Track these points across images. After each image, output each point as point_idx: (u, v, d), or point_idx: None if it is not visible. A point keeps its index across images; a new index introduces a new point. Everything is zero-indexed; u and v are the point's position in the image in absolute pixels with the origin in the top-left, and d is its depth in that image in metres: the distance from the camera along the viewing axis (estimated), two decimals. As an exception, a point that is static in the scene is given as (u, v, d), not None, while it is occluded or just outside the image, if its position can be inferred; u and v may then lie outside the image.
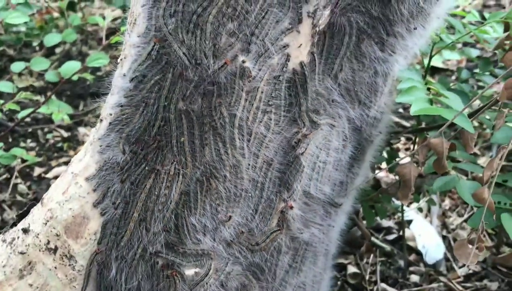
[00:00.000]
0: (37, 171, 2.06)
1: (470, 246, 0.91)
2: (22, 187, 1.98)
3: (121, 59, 0.82)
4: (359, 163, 1.00)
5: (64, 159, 2.07)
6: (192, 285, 0.81)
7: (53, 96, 1.87)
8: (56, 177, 2.01)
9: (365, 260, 1.55)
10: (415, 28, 0.86)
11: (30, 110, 1.68)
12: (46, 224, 0.83)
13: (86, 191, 0.82)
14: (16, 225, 0.89)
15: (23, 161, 1.91)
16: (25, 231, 0.84)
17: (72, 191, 0.82)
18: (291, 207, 0.88)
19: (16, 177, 2.00)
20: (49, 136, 2.08)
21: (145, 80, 0.78)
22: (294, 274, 0.92)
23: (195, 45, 0.74)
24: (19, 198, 1.95)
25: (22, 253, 0.85)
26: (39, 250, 0.85)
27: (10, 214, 1.90)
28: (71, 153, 2.07)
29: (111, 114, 0.81)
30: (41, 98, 2.24)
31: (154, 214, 0.80)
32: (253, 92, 0.80)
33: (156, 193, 0.79)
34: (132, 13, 0.80)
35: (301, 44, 0.83)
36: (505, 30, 1.09)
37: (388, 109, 0.97)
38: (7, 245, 0.87)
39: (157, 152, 0.80)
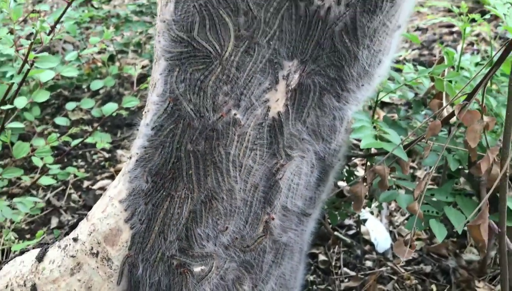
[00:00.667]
0: (86, 183, 1.96)
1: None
2: (75, 196, 1.90)
3: (145, 112, 0.78)
4: (324, 183, 0.93)
5: (106, 174, 1.98)
6: (199, 279, 0.77)
7: (98, 128, 1.82)
8: (100, 188, 1.95)
9: (331, 250, 1.47)
10: (362, 85, 0.81)
11: (80, 140, 1.62)
12: (90, 234, 0.79)
13: (119, 210, 0.78)
14: (68, 234, 0.85)
15: (75, 176, 1.83)
16: (75, 239, 0.81)
17: (109, 210, 0.78)
18: (273, 218, 0.84)
19: (70, 188, 1.91)
20: (94, 157, 1.99)
21: (162, 129, 0.75)
22: (276, 267, 0.86)
23: (199, 103, 0.71)
24: (72, 204, 1.86)
25: (72, 256, 0.81)
26: (85, 254, 0.81)
27: (65, 217, 1.81)
28: (111, 169, 1.99)
29: (137, 153, 0.77)
30: (88, 128, 2.18)
31: (170, 227, 0.76)
32: (242, 135, 0.75)
33: (171, 212, 0.75)
34: (152, 78, 0.76)
35: (278, 99, 0.78)
36: (432, 80, 1.08)
37: (345, 143, 0.94)
38: (61, 250, 0.83)
39: (171, 181, 0.76)
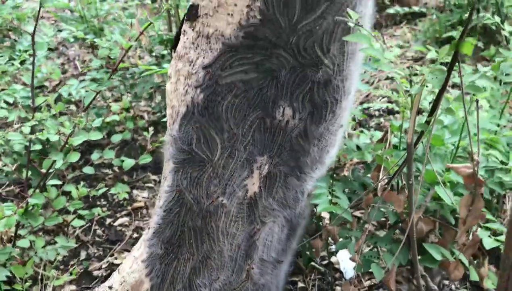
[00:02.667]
0: (108, 220, 2.21)
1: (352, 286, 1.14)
2: (99, 232, 2.12)
3: (159, 197, 1.00)
4: (293, 237, 1.15)
5: (124, 212, 2.20)
6: None
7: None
8: (120, 225, 2.18)
9: (308, 278, 1.72)
10: (316, 168, 1.05)
11: (105, 189, 1.87)
12: (121, 284, 1.00)
13: (142, 267, 0.99)
14: (103, 282, 1.10)
15: (99, 214, 2.08)
16: (110, 287, 1.03)
17: (134, 267, 1.00)
18: (252, 268, 1.04)
19: (95, 225, 2.15)
20: (114, 197, 2.25)
21: (171, 211, 0.96)
22: None
23: (197, 193, 0.93)
24: (97, 239, 2.07)
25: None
26: None
27: (92, 250, 2.03)
28: (129, 207, 2.22)
29: (154, 227, 0.98)
30: (109, 171, 2.42)
31: (177, 280, 0.97)
32: (228, 213, 0.96)
33: (178, 269, 0.96)
34: (164, 173, 0.98)
35: (254, 183, 0.99)
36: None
37: (307, 206, 1.16)
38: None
39: (178, 248, 0.97)
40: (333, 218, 1.24)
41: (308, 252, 1.44)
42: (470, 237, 0.97)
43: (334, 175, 1.25)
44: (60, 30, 2.69)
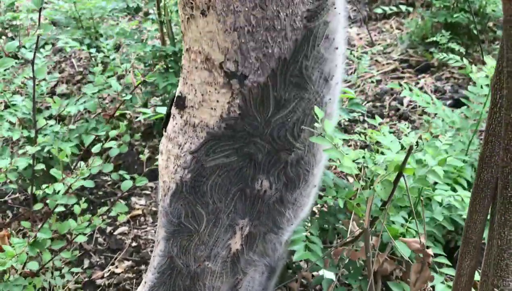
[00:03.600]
0: (108, 229, 2.37)
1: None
2: (100, 240, 2.28)
3: (152, 257, 1.14)
4: (273, 277, 1.29)
5: (124, 221, 2.37)
6: None
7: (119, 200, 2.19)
8: (120, 234, 2.33)
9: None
10: (292, 224, 1.23)
11: (107, 208, 2.02)
12: None
13: None
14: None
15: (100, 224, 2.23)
16: None
17: None
18: None
19: (96, 233, 2.31)
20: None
21: (164, 273, 1.09)
22: None
23: (186, 259, 1.08)
24: (99, 247, 2.22)
25: None
26: None
27: (95, 259, 2.19)
28: (128, 216, 2.37)
29: (149, 284, 1.12)
30: (108, 178, 2.56)
31: None
32: (213, 272, 1.09)
33: None
34: (157, 239, 1.13)
35: (236, 242, 1.12)
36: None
37: (285, 252, 1.31)
38: None
39: None
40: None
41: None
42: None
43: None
44: (57, 38, 2.75)
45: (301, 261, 1.44)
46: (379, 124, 1.58)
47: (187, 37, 1.00)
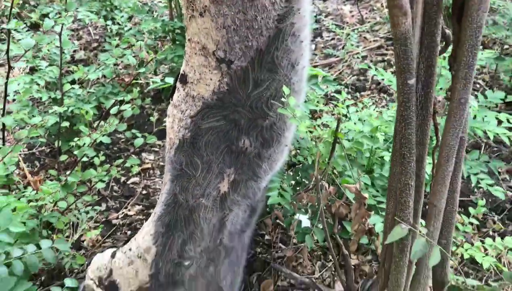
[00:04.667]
0: (122, 179, 2.72)
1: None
2: (115, 188, 2.62)
3: (161, 194, 1.52)
4: (254, 215, 1.61)
5: (135, 172, 2.74)
6: (187, 267, 1.59)
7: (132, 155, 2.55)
8: (132, 183, 2.70)
9: (273, 232, 2.25)
10: (267, 174, 1.57)
11: (122, 160, 2.39)
12: (137, 248, 1.50)
13: (150, 238, 1.48)
14: (125, 244, 1.64)
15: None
16: (130, 249, 1.55)
17: (146, 237, 1.49)
18: (223, 238, 1.53)
19: (112, 182, 2.68)
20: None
21: (169, 206, 1.41)
22: (227, 257, 1.63)
23: (185, 196, 1.46)
24: (114, 194, 2.56)
25: (128, 257, 1.52)
26: (135, 257, 1.51)
27: (110, 203, 2.52)
28: (139, 168, 2.73)
29: (158, 214, 1.49)
30: (122, 136, 2.91)
31: (173, 247, 1.44)
32: (206, 207, 1.49)
33: (174, 241, 1.44)
34: (164, 179, 1.52)
35: (224, 185, 1.51)
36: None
37: (263, 196, 1.68)
38: (123, 253, 1.54)
39: (174, 228, 1.44)
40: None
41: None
42: (362, 226, 1.49)
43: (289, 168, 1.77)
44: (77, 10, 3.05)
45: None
46: (361, 96, 1.92)
47: (189, 30, 1.33)
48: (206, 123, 1.40)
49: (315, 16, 3.83)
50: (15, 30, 3.01)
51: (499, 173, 2.47)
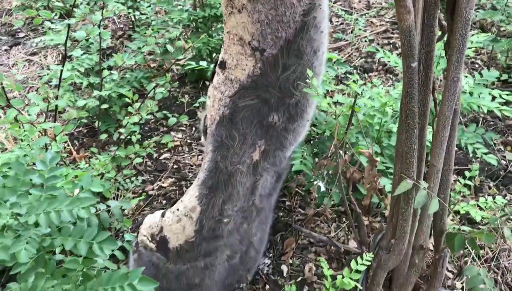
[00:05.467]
0: (155, 155, 3.02)
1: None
2: (149, 163, 2.93)
3: (203, 163, 1.80)
4: (280, 180, 1.87)
5: (166, 149, 3.00)
6: (226, 223, 1.87)
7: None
8: (164, 159, 2.98)
9: (293, 199, 2.54)
10: (292, 145, 1.85)
11: (157, 138, 2.67)
12: (184, 208, 1.77)
13: (196, 200, 1.77)
14: (173, 205, 1.93)
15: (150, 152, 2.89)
16: (177, 209, 1.81)
17: (191, 198, 1.78)
18: (255, 200, 1.84)
19: (146, 159, 2.97)
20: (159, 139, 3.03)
21: (211, 172, 1.68)
22: (258, 216, 1.94)
23: (225, 163, 1.75)
24: (148, 168, 2.89)
25: (177, 216, 1.78)
26: (182, 215, 1.76)
27: (145, 176, 2.84)
28: (169, 145, 3.00)
29: (201, 179, 1.78)
30: (151, 117, 3.18)
31: (214, 206, 1.73)
32: (242, 172, 1.79)
33: (216, 202, 1.74)
34: (206, 150, 1.80)
35: (256, 155, 1.83)
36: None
37: (288, 164, 1.95)
38: (172, 213, 1.80)
39: (216, 191, 1.69)
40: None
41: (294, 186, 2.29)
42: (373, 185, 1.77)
43: (307, 142, 2.04)
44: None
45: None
46: (369, 77, 2.16)
47: (228, 24, 1.59)
48: (242, 102, 1.66)
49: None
50: (49, 20, 3.27)
51: (494, 144, 2.72)
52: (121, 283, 1.42)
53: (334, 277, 1.65)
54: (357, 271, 1.46)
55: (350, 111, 1.56)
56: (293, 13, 1.50)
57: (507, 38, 2.95)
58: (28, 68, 3.62)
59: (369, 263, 1.48)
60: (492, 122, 2.85)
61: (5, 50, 3.85)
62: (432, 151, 1.43)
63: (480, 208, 2.02)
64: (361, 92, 1.87)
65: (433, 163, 1.44)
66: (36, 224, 1.38)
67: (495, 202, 1.92)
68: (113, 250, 1.49)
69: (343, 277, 1.45)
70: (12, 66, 3.53)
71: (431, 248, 1.89)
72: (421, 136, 1.46)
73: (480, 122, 2.84)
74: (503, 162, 2.61)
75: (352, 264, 1.48)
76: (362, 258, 1.52)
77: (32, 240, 1.33)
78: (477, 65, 3.19)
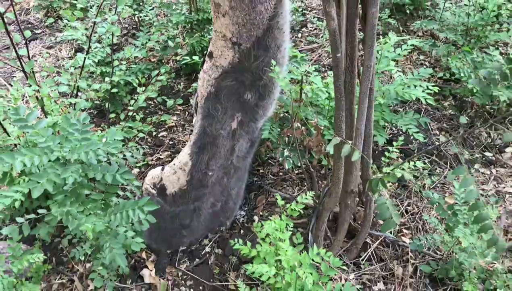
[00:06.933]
0: (154, 133, 3.58)
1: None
2: (149, 139, 3.47)
3: (194, 128, 2.37)
4: (254, 146, 2.51)
5: (163, 128, 3.57)
6: (210, 176, 2.43)
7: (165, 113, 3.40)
8: (162, 136, 3.54)
9: (265, 167, 3.14)
10: (262, 118, 2.41)
11: (156, 117, 3.23)
12: (179, 163, 2.38)
13: (188, 156, 2.37)
14: (171, 161, 2.49)
15: (150, 130, 3.46)
16: (174, 164, 2.43)
17: (185, 156, 2.37)
18: (233, 159, 2.46)
19: (146, 135, 3.53)
20: (156, 120, 3.60)
21: (200, 135, 2.30)
22: (235, 173, 2.51)
23: (212, 129, 2.32)
24: (148, 143, 3.47)
25: (173, 169, 2.40)
26: (178, 168, 2.43)
27: (146, 150, 3.43)
28: (166, 126, 3.57)
29: (192, 140, 2.36)
30: (151, 102, 3.74)
31: (201, 162, 2.33)
32: (223, 136, 2.37)
33: (203, 158, 2.34)
34: (196, 119, 2.36)
35: (234, 124, 2.40)
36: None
37: (260, 133, 2.53)
38: (169, 167, 2.42)
39: (204, 150, 2.30)
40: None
41: (264, 155, 2.86)
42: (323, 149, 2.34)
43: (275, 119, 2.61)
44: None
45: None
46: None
47: (215, 25, 2.15)
48: (224, 83, 2.23)
49: (302, 11, 4.64)
50: (66, 19, 3.81)
51: (431, 129, 3.32)
52: (133, 207, 1.98)
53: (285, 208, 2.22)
54: (302, 203, 2.03)
55: (299, 88, 2.14)
56: (262, 18, 2.08)
57: (444, 44, 3.55)
58: (45, 60, 4.16)
59: (307, 201, 2.04)
60: (431, 112, 3.45)
61: (25, 44, 4.38)
62: (357, 118, 2.01)
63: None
64: (311, 81, 2.46)
65: (357, 126, 2.01)
66: (76, 161, 1.94)
67: (415, 166, 2.51)
68: (127, 180, 2.03)
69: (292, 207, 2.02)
70: (32, 57, 4.06)
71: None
72: (350, 109, 2.04)
73: (422, 112, 3.44)
74: (436, 143, 3.20)
75: (298, 199, 2.05)
76: (307, 198, 2.08)
77: (75, 170, 1.88)
78: (424, 66, 3.80)
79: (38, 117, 2.77)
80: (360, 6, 1.82)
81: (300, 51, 4.12)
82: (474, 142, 3.15)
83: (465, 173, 1.66)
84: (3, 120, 2.38)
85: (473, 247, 2.07)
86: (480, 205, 1.66)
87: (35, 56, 4.11)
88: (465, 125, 3.27)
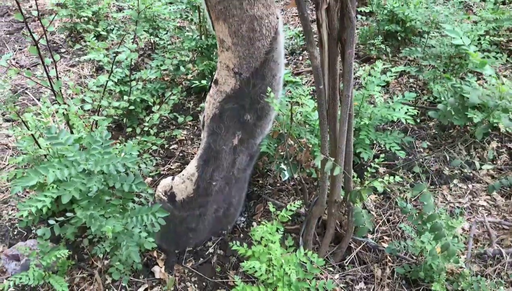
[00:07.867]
0: (166, 145, 3.94)
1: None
2: (161, 151, 3.84)
3: (200, 143, 2.70)
4: (252, 160, 2.86)
5: (174, 142, 3.93)
6: (213, 185, 2.76)
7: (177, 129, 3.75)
8: (173, 149, 3.90)
9: (265, 179, 3.46)
10: (260, 136, 2.75)
11: (168, 132, 3.59)
12: (187, 173, 2.72)
13: (195, 168, 2.68)
14: (180, 172, 2.83)
15: (162, 143, 3.81)
16: (183, 174, 2.76)
17: (192, 167, 2.70)
18: (234, 172, 2.78)
19: (159, 148, 3.88)
20: (168, 134, 3.96)
21: (205, 150, 2.63)
22: (236, 184, 2.85)
23: (216, 146, 2.66)
24: (160, 155, 3.82)
25: (182, 179, 2.74)
26: (185, 178, 2.77)
27: (159, 161, 3.78)
28: (177, 139, 3.92)
29: (199, 154, 2.70)
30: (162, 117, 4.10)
31: (207, 173, 2.65)
32: (226, 151, 2.70)
33: (208, 169, 2.67)
34: (202, 135, 2.70)
35: (235, 141, 2.72)
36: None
37: (258, 149, 2.86)
38: (179, 177, 2.77)
39: (208, 162, 2.63)
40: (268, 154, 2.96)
41: (262, 168, 3.19)
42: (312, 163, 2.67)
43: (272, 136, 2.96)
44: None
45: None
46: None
47: (220, 57, 2.51)
48: (226, 106, 2.58)
49: (303, 36, 5.00)
50: (88, 41, 4.20)
51: (417, 147, 3.63)
52: (147, 212, 2.32)
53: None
54: (290, 210, 2.36)
55: (290, 113, 2.48)
56: (259, 52, 2.43)
57: (430, 70, 3.88)
58: (69, 77, 4.55)
59: (296, 208, 2.37)
60: (417, 131, 3.77)
61: (53, 65, 4.78)
62: (338, 140, 2.35)
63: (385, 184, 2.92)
64: (303, 103, 2.80)
65: (339, 145, 2.35)
66: (98, 172, 2.29)
67: (394, 180, 2.83)
68: (141, 189, 2.37)
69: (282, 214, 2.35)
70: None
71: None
72: (333, 130, 2.38)
73: (409, 131, 3.76)
74: (421, 160, 3.51)
75: (288, 206, 2.38)
76: (295, 206, 2.41)
77: (98, 180, 2.23)
78: (413, 88, 4.12)
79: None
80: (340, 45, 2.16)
81: (300, 72, 4.47)
82: (455, 159, 3.45)
83: (424, 189, 1.98)
84: (36, 134, 2.74)
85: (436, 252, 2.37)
86: (435, 216, 1.98)
87: (59, 73, 4.50)
88: (427, 149, 3.58)
